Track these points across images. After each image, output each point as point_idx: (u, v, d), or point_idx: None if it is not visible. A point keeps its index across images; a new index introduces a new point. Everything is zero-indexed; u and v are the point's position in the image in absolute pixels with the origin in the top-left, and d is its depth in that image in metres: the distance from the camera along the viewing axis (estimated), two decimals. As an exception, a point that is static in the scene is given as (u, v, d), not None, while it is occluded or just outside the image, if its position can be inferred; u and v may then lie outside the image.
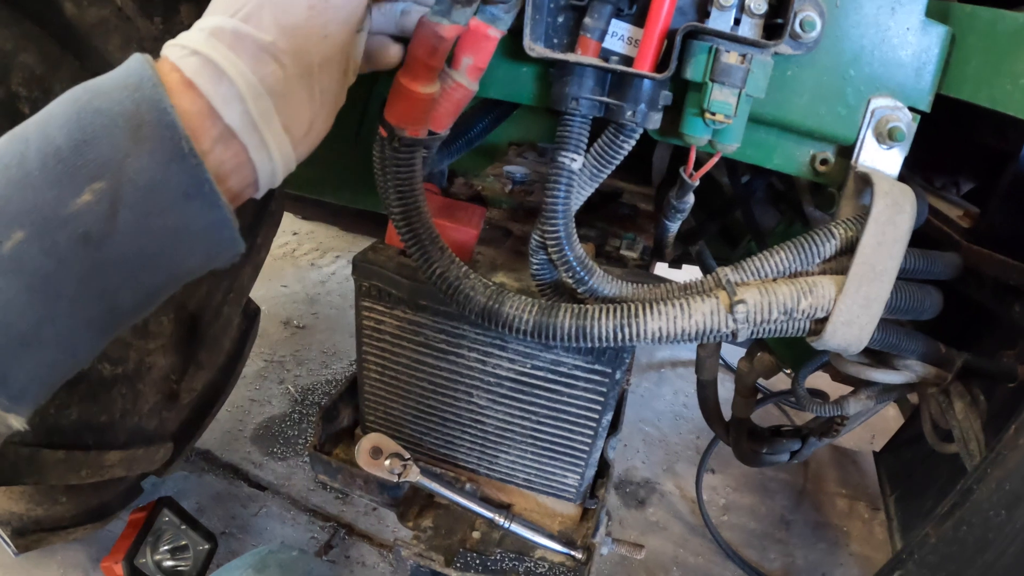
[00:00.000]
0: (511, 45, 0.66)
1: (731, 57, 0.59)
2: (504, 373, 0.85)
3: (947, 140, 1.00)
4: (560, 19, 0.65)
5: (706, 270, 0.90)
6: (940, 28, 0.66)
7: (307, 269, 2.74)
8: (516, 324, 0.65)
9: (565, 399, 0.86)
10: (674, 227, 0.77)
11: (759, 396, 1.33)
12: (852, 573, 1.83)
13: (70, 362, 0.42)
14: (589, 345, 0.64)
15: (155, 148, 0.39)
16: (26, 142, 0.39)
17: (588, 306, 0.64)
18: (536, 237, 0.68)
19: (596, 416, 0.86)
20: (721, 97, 0.59)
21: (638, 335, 0.63)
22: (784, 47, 0.62)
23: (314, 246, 2.91)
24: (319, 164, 0.81)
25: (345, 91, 0.53)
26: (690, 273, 1.23)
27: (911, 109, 0.67)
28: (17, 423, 0.40)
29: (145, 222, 0.40)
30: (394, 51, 0.58)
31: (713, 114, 0.59)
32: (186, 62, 0.42)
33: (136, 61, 0.42)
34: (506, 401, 0.88)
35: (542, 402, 0.87)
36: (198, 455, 1.82)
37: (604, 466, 0.97)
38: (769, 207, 1.06)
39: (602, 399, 0.84)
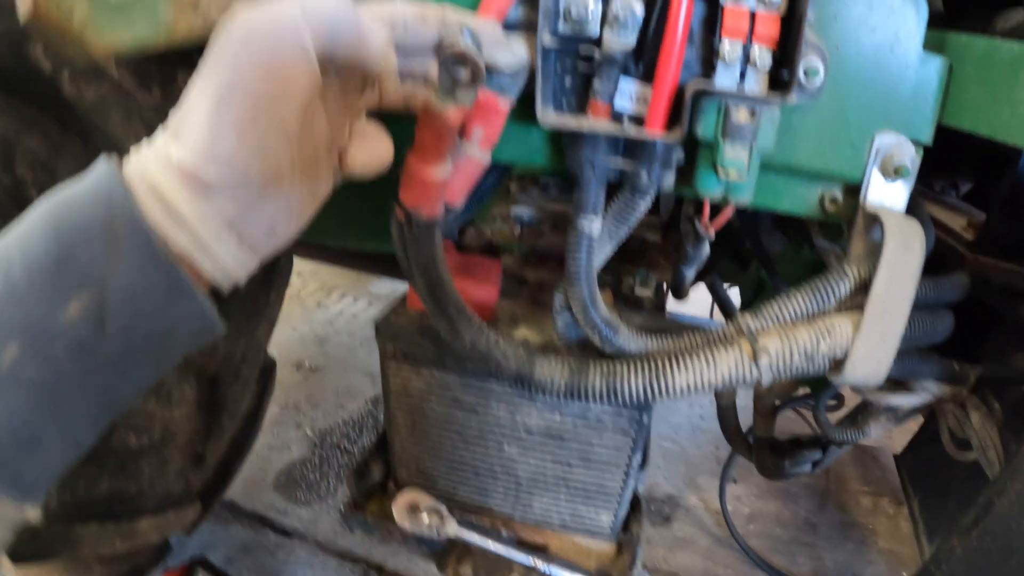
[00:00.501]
0: (520, 108, 0.67)
1: (741, 115, 0.60)
2: (534, 424, 0.87)
3: (942, 143, 1.02)
4: (567, 81, 0.65)
5: (720, 301, 0.91)
6: (937, 60, 0.67)
7: (314, 309, 2.75)
8: (548, 387, 0.67)
9: (595, 444, 0.87)
10: (691, 273, 0.78)
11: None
12: (881, 570, 1.84)
13: (74, 452, 0.45)
14: (620, 402, 0.66)
15: (133, 256, 0.41)
16: (9, 258, 0.41)
17: (617, 364, 0.66)
18: (559, 298, 0.70)
19: (627, 457, 0.88)
20: (733, 155, 0.60)
21: (667, 391, 0.65)
22: (792, 97, 0.63)
23: (319, 285, 2.93)
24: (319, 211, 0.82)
25: (323, 182, 0.53)
26: (699, 293, 1.24)
27: (914, 142, 0.68)
28: (32, 514, 0.44)
29: (132, 325, 0.42)
30: (381, 154, 0.56)
31: (727, 171, 0.61)
32: (138, 187, 0.43)
33: (103, 169, 0.43)
34: (537, 450, 0.90)
35: (573, 448, 0.88)
36: (222, 507, 1.82)
37: (635, 501, 0.99)
38: (775, 232, 1.07)
39: (632, 441, 0.86)
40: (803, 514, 1.95)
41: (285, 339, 2.52)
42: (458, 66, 0.53)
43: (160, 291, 0.42)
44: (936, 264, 0.78)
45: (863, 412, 0.96)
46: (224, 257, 0.46)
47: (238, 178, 0.45)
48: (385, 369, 0.89)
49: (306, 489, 1.91)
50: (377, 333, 0.86)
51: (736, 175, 0.60)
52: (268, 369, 1.52)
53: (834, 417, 1.03)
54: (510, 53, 0.58)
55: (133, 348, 0.43)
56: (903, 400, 0.82)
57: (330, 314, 2.73)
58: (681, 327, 0.81)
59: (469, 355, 0.68)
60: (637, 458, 0.88)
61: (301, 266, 3.02)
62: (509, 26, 0.62)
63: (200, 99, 0.44)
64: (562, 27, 0.60)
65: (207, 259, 0.46)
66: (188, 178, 0.43)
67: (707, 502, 1.95)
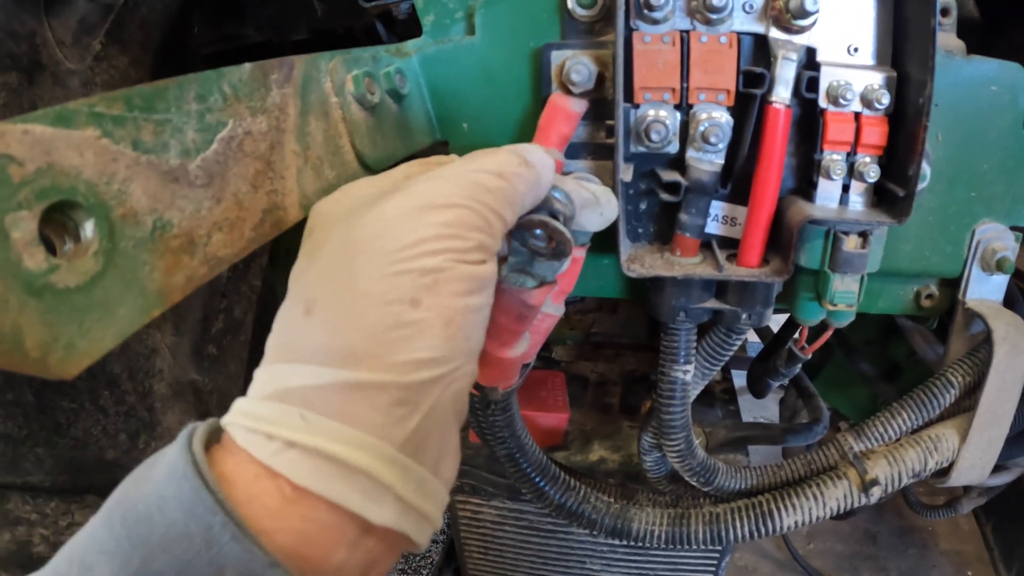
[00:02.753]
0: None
1: (851, 243, 0.52)
2: (616, 540, 0.83)
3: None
4: (643, 205, 0.57)
5: (799, 389, 0.87)
6: None
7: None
8: (648, 538, 0.63)
9: (683, 553, 0.84)
10: (776, 384, 0.74)
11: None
12: (947, 573, 1.81)
13: None
14: (725, 547, 0.62)
15: None
16: None
17: (720, 511, 0.62)
18: (648, 439, 0.66)
19: (716, 560, 0.84)
20: (844, 287, 0.53)
21: (774, 531, 0.62)
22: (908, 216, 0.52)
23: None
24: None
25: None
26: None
27: (1012, 228, 0.61)
28: None
29: None
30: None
31: (836, 304, 0.53)
32: (281, 461, 0.28)
33: (191, 491, 0.27)
34: (621, 563, 0.86)
35: (660, 560, 0.85)
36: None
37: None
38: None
39: (719, 549, 0.82)
40: (862, 526, 1.92)
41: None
42: (541, 238, 0.41)
43: None
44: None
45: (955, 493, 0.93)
46: (428, 505, 0.33)
47: (424, 384, 0.31)
48: (453, 501, 0.85)
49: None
50: (442, 469, 0.82)
51: (845, 307, 0.53)
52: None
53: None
54: (598, 215, 0.46)
55: None
56: (997, 480, 0.79)
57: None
58: (768, 433, 0.78)
59: (558, 514, 0.64)
60: (726, 560, 0.85)
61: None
62: (572, 151, 0.55)
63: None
64: (636, 148, 0.52)
65: (412, 517, 0.32)
66: (365, 396, 0.29)
67: (764, 526, 1.92)
